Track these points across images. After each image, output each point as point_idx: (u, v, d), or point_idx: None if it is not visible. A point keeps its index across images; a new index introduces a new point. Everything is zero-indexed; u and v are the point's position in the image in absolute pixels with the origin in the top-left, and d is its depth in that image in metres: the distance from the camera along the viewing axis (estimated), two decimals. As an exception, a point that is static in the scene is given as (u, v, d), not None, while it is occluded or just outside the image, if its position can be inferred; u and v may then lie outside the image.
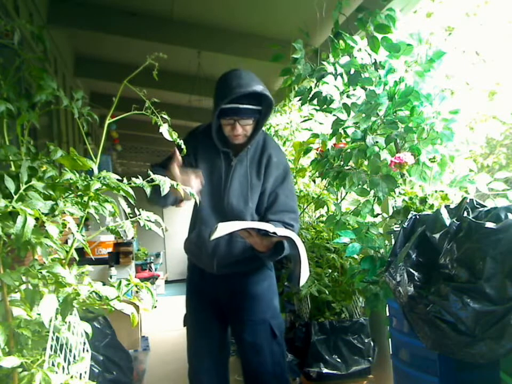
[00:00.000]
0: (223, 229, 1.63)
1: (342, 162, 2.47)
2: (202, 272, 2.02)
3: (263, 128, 2.02)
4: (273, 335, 1.97)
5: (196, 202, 1.93)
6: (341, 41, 2.39)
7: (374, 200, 2.31)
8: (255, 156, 1.97)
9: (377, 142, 2.25)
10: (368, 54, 2.35)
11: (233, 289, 1.99)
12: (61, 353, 1.17)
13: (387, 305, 2.13)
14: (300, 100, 2.58)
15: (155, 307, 5.44)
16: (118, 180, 1.20)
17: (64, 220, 1.12)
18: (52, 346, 1.12)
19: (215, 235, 1.61)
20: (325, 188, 2.79)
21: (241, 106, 1.83)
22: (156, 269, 7.13)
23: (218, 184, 1.94)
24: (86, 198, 1.16)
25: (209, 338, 2.03)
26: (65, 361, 1.17)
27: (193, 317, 2.09)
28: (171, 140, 1.34)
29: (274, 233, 1.70)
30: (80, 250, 1.35)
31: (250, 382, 2.02)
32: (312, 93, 2.50)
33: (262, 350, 1.95)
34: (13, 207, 1.02)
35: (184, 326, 2.12)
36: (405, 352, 1.85)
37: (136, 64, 1.28)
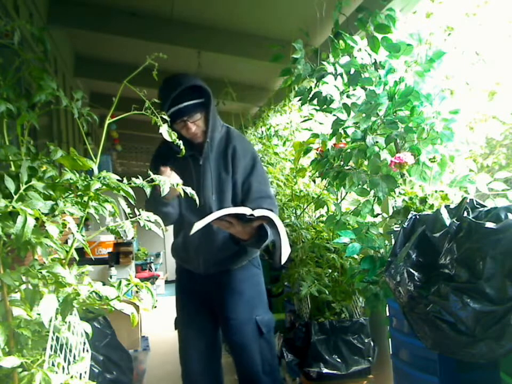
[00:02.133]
0: (201, 223, 1.66)
1: (342, 162, 2.46)
2: (191, 274, 2.05)
3: (222, 122, 2.06)
4: (260, 333, 1.98)
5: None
6: (341, 41, 2.39)
7: (374, 200, 2.31)
8: (219, 149, 2.00)
9: (377, 142, 2.25)
10: (368, 54, 2.35)
11: (220, 287, 2.02)
12: (61, 353, 1.17)
13: (387, 305, 2.13)
14: (299, 100, 2.58)
15: (155, 307, 5.44)
16: (118, 180, 1.20)
17: (64, 220, 1.12)
18: (52, 346, 1.12)
19: (194, 229, 1.65)
20: (325, 188, 2.79)
21: (180, 106, 1.89)
22: (155, 269, 7.14)
23: (192, 187, 1.96)
24: (86, 198, 1.16)
25: (200, 340, 2.05)
26: (65, 361, 1.17)
27: (183, 319, 2.11)
28: (170, 140, 1.35)
29: (252, 215, 1.71)
30: (80, 250, 1.35)
31: (242, 380, 2.04)
32: (312, 93, 2.50)
33: (249, 349, 1.97)
34: (13, 207, 1.02)
35: (176, 329, 2.13)
36: (405, 352, 1.85)
37: (136, 64, 1.29)
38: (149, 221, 1.26)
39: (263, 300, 2.07)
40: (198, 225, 1.66)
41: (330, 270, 2.91)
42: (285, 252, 1.72)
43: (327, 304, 2.85)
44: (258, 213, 1.72)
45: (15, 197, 1.06)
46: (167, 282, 7.95)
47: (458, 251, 1.41)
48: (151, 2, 4.02)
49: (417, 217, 1.69)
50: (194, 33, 4.26)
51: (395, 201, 2.25)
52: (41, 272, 1.07)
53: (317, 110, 2.56)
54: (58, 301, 1.06)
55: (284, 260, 1.73)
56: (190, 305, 2.08)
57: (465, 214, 1.52)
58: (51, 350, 1.11)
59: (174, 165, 1.96)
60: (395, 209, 2.18)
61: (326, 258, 2.94)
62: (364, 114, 2.25)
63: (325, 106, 2.47)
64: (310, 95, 2.51)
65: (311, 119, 2.83)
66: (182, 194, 1.39)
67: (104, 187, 1.18)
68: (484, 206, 1.55)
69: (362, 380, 2.72)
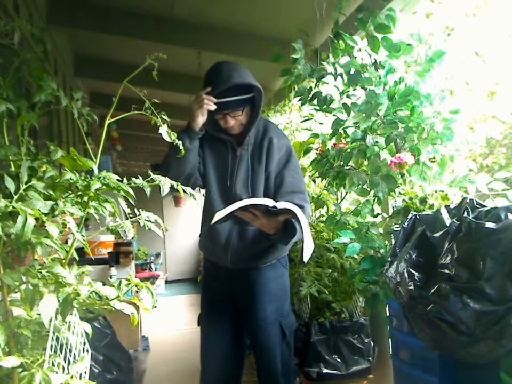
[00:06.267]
0: (221, 212, 1.62)
1: (342, 162, 2.47)
2: (218, 268, 2.01)
3: (263, 115, 2.03)
4: (283, 335, 1.96)
5: (207, 195, 1.99)
6: (341, 41, 2.39)
7: (374, 200, 2.31)
8: (256, 141, 1.98)
9: (377, 142, 2.25)
10: (368, 54, 2.35)
11: (247, 285, 1.97)
12: (61, 353, 1.17)
13: (387, 305, 2.13)
14: (300, 100, 2.58)
15: (155, 307, 5.44)
16: (118, 180, 1.20)
17: (64, 219, 1.12)
18: (52, 346, 1.12)
19: (215, 218, 1.62)
20: (325, 188, 2.79)
21: (225, 100, 1.86)
22: (156, 269, 7.12)
23: (225, 175, 1.95)
24: (86, 198, 1.16)
25: (223, 339, 2.00)
26: (65, 361, 1.17)
27: (207, 317, 2.06)
28: (170, 141, 1.35)
29: (274, 207, 1.66)
30: (80, 250, 1.35)
31: (261, 378, 2.02)
32: (312, 93, 2.50)
33: (272, 351, 1.94)
34: (13, 207, 1.02)
35: (198, 325, 2.10)
36: (405, 352, 1.85)
37: (136, 64, 1.29)
38: (149, 221, 1.26)
39: (287, 301, 2.03)
40: (220, 214, 1.61)
41: (330, 270, 2.91)
42: (308, 248, 1.63)
43: (327, 304, 2.85)
44: (280, 205, 1.66)
45: (15, 197, 1.06)
46: (167, 282, 7.94)
47: (458, 251, 1.41)
48: (151, 2, 4.02)
49: (417, 217, 1.68)
50: (194, 33, 4.27)
51: (395, 201, 2.25)
52: (41, 272, 1.07)
53: (317, 110, 2.56)
54: (58, 301, 1.06)
55: (306, 257, 1.63)
56: (216, 303, 2.03)
57: (465, 214, 1.52)
58: (51, 350, 1.11)
59: (212, 146, 1.98)
60: (395, 209, 2.18)
61: (326, 258, 2.94)
62: (364, 114, 2.25)
63: (325, 106, 2.47)
64: (310, 95, 2.51)
65: (311, 119, 2.83)
66: (182, 194, 1.38)
67: (104, 187, 1.18)
68: (484, 206, 1.55)
69: (362, 380, 2.72)
